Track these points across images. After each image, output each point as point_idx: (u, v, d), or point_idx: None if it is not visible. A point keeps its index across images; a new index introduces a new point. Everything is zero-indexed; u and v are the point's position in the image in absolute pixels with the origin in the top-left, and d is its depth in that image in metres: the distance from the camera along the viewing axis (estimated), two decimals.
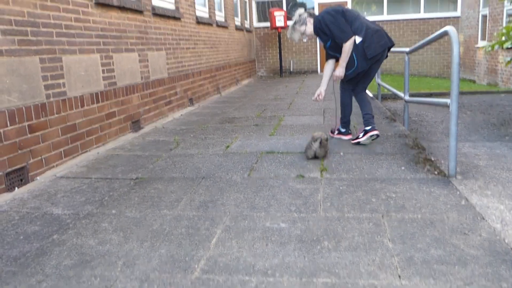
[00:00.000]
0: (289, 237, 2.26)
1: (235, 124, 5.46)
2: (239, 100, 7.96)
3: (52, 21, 3.72)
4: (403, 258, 1.99)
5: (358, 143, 4.10)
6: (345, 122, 4.39)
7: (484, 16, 11.54)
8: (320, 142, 3.58)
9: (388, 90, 6.58)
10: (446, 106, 3.13)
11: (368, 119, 4.07)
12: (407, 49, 5.10)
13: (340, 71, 4.01)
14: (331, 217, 2.49)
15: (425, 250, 2.05)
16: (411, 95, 5.27)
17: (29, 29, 3.43)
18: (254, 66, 14.11)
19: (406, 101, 5.05)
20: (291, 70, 14.46)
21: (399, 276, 1.85)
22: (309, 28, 4.07)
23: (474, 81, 12.09)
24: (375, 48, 3.87)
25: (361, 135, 4.10)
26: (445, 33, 3.16)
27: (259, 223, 2.46)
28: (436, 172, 3.21)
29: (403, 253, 2.03)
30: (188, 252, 2.14)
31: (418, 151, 3.82)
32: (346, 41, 3.83)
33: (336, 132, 4.50)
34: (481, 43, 11.60)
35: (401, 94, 5.50)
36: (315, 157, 3.66)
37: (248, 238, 2.27)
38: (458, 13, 13.20)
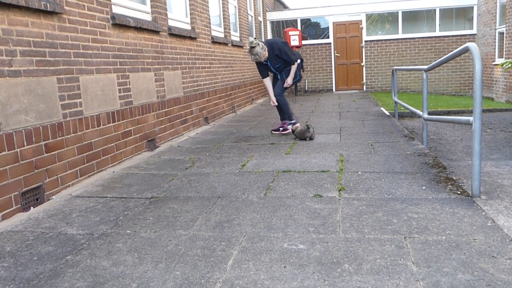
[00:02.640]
0: (307, 259, 2.18)
1: (251, 143, 5.42)
2: (254, 118, 7.95)
3: (70, 42, 3.77)
4: (428, 283, 1.90)
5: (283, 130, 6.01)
6: (291, 115, 6.05)
7: (501, 34, 11.43)
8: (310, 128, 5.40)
9: (405, 108, 6.48)
10: (469, 124, 3.04)
11: (291, 116, 6.10)
12: (425, 67, 5.02)
13: (291, 81, 5.93)
14: (351, 238, 2.41)
15: (452, 275, 1.95)
16: (429, 113, 5.17)
17: (47, 50, 3.47)
18: None
19: (425, 119, 4.96)
20: (306, 88, 14.46)
21: None
22: (266, 53, 5.70)
23: (492, 99, 11.91)
24: (302, 66, 6.47)
25: (289, 127, 5.90)
26: (466, 49, 3.10)
27: (276, 244, 2.39)
28: (459, 192, 3.11)
29: (428, 278, 1.94)
30: (204, 274, 2.08)
31: (438, 170, 3.72)
32: (296, 61, 5.80)
33: (290, 126, 5.91)
34: (498, 60, 11.45)
35: (419, 112, 5.41)
36: (311, 138, 5.37)
37: (266, 259, 2.20)
38: (474, 30, 13.11)
